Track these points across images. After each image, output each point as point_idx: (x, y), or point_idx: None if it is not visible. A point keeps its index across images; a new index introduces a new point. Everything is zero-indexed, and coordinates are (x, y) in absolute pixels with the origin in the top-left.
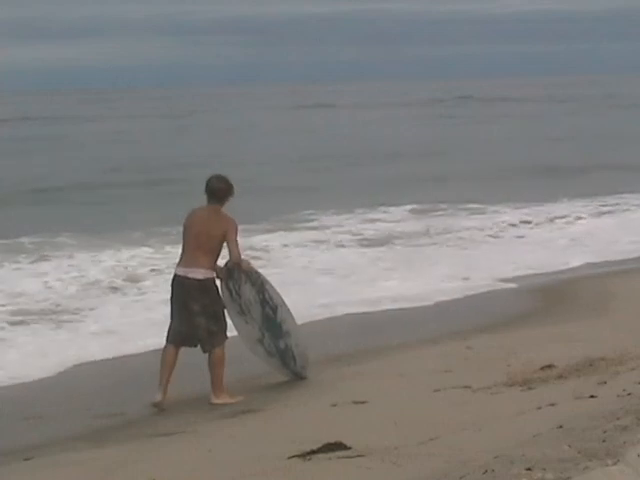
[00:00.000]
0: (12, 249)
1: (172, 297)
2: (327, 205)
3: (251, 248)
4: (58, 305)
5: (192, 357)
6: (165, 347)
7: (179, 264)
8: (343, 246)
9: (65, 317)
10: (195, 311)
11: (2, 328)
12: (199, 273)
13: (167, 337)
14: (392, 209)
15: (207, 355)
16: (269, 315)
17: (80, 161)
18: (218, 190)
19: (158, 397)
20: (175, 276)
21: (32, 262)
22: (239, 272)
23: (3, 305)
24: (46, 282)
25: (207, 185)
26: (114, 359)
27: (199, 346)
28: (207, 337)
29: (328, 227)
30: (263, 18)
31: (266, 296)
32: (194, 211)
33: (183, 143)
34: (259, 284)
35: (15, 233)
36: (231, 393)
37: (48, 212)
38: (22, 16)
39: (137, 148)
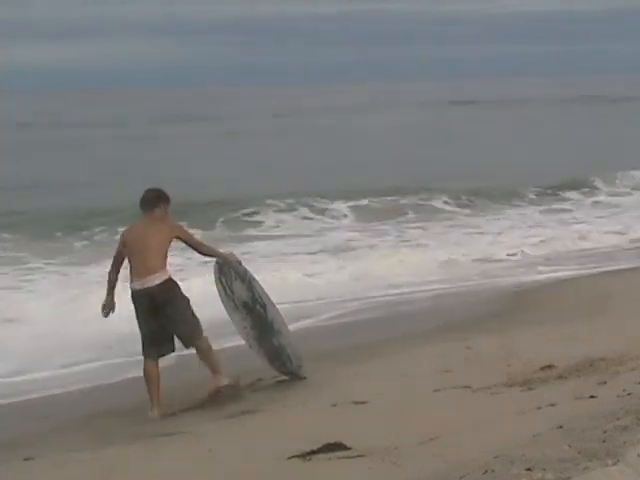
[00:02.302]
0: None
1: (137, 313)
2: None
3: None
4: None
5: (191, 358)
6: (144, 364)
7: (132, 280)
8: None
9: None
10: (169, 314)
11: None
12: (157, 277)
13: (143, 353)
14: None
15: (192, 349)
16: (260, 313)
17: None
18: (147, 199)
19: (154, 413)
20: (134, 291)
21: None
22: (228, 268)
23: None
24: None
25: (141, 198)
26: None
27: (182, 341)
28: (190, 330)
29: None
30: (263, 18)
31: (255, 294)
32: (132, 226)
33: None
34: (248, 281)
35: None
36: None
37: None
38: (22, 16)
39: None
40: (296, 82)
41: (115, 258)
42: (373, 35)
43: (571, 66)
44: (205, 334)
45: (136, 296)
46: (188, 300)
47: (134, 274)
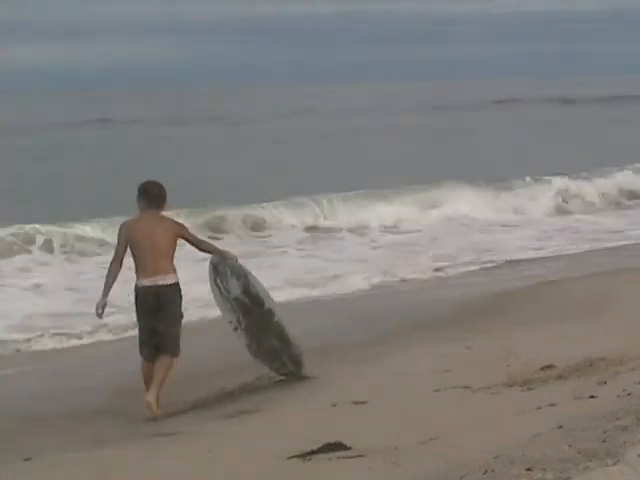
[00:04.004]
0: None
1: (139, 311)
2: None
3: None
4: None
5: (190, 358)
6: (143, 364)
7: (141, 277)
8: None
9: None
10: (168, 315)
11: None
12: (169, 278)
13: (141, 353)
14: None
15: (159, 358)
16: (259, 311)
17: None
18: (159, 195)
19: (154, 413)
20: (141, 288)
21: None
22: (224, 266)
23: None
24: None
25: (145, 191)
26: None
27: (163, 347)
28: (172, 341)
29: None
30: (263, 18)
31: (252, 290)
32: (134, 222)
33: None
34: (244, 277)
35: None
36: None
37: None
38: (22, 16)
39: None
40: (297, 82)
41: (116, 255)
42: (373, 35)
43: (571, 66)
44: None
45: (143, 293)
46: (182, 315)
47: (142, 272)
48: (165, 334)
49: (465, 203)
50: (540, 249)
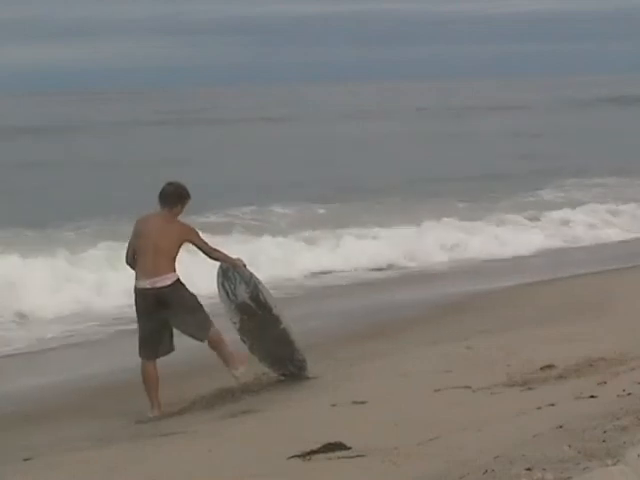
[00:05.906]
0: None
1: (139, 312)
2: None
3: None
4: None
5: (190, 358)
6: (142, 365)
7: (139, 277)
8: None
9: None
10: (183, 312)
11: None
12: (168, 278)
13: (140, 354)
14: None
15: (207, 343)
16: (264, 317)
17: None
18: (167, 195)
19: (153, 413)
20: (139, 290)
21: None
22: (233, 272)
23: None
24: None
25: (160, 191)
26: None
27: (194, 337)
28: (197, 328)
29: None
30: (263, 18)
31: (260, 297)
32: (147, 217)
33: None
34: (253, 284)
35: None
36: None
37: None
38: (22, 16)
39: None
40: (297, 82)
41: (129, 247)
42: (372, 35)
43: (572, 66)
44: (216, 326)
45: (142, 295)
46: (196, 296)
47: (142, 273)
48: (189, 325)
49: None
50: None
